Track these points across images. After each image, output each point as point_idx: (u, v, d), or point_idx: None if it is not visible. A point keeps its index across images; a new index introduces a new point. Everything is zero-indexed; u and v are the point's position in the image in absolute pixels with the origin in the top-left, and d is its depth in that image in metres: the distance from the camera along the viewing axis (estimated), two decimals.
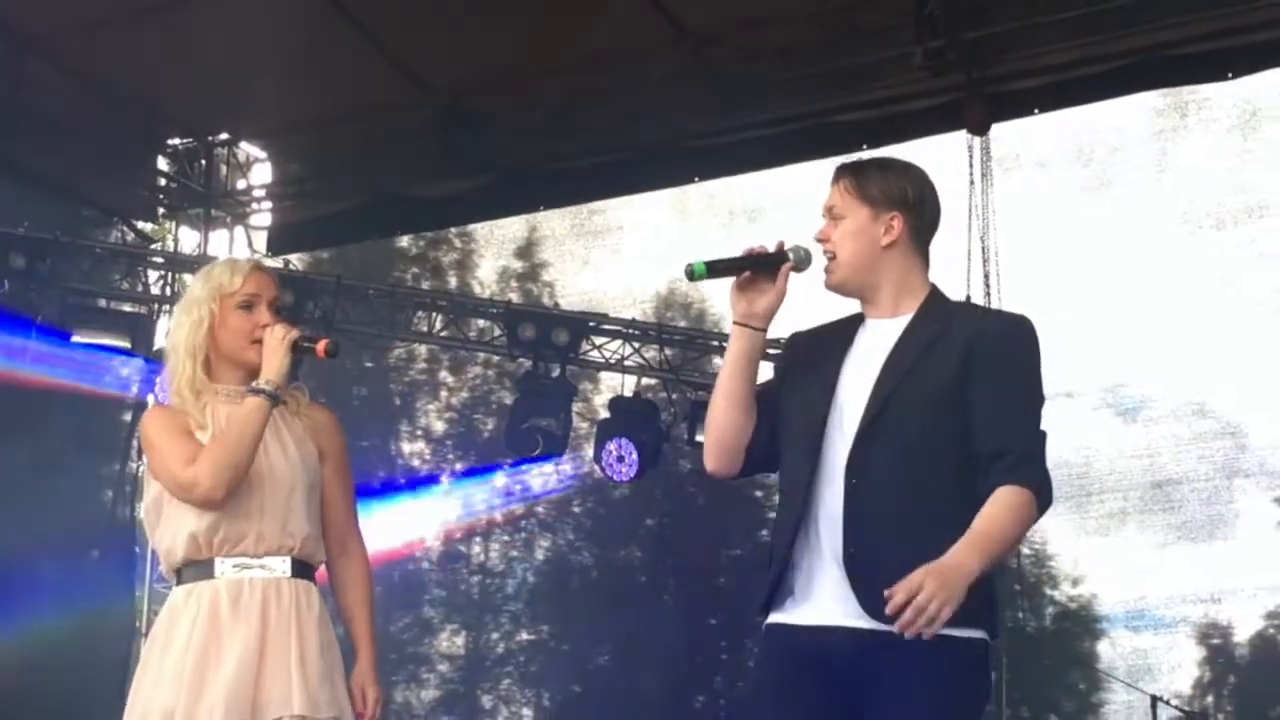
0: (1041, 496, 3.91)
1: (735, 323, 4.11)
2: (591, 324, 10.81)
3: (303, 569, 4.59)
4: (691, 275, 4.06)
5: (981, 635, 3.92)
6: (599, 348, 10.90)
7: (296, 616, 4.50)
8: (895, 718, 3.86)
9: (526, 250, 17.28)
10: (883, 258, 4.10)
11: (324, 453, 4.70)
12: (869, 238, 4.09)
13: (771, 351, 4.34)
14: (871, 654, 3.85)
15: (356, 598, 4.76)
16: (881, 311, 4.12)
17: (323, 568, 4.75)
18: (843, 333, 4.17)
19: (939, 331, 4.03)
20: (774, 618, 4.05)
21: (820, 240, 4.14)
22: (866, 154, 4.33)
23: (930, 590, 3.65)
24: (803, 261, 4.10)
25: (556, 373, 10.84)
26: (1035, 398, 4.04)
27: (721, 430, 4.16)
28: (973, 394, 3.93)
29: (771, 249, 4.08)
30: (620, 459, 10.50)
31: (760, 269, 4.07)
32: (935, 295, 4.16)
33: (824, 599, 3.95)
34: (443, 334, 11.59)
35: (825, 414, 4.01)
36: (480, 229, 16.18)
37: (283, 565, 4.54)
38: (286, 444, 4.62)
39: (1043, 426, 4.04)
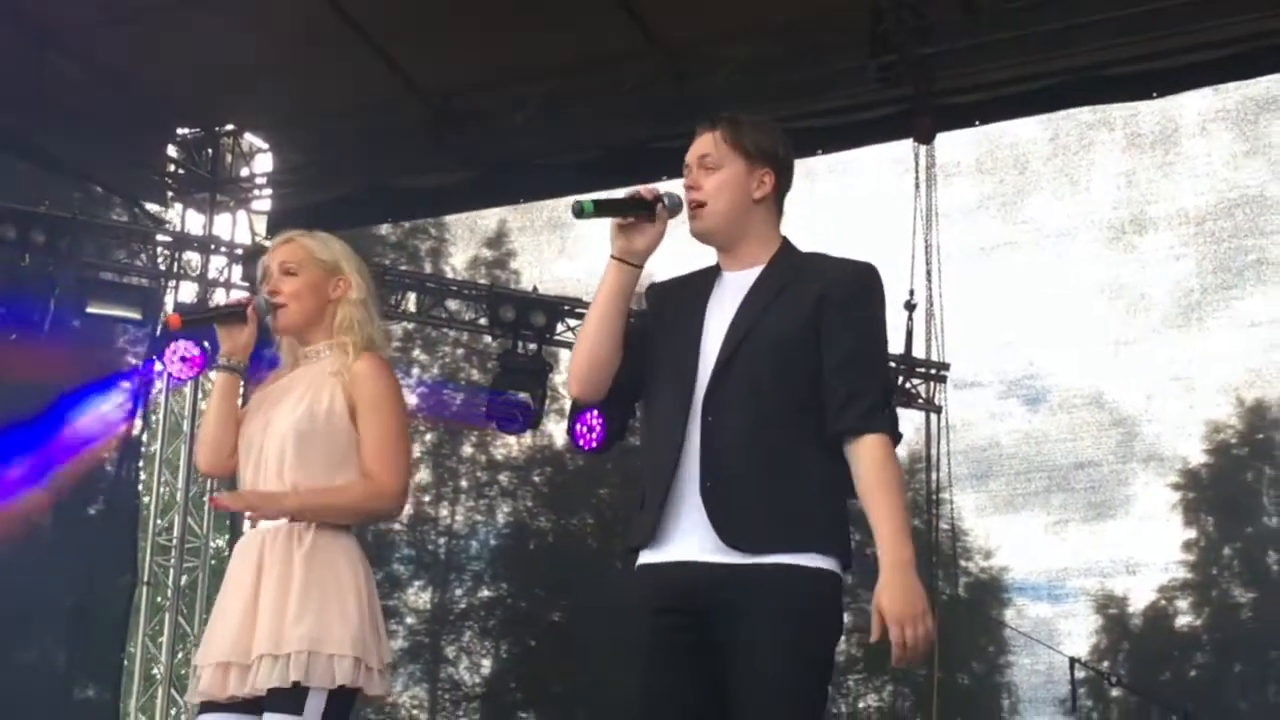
0: (895, 436, 3.85)
1: (613, 257, 3.97)
2: (566, 307, 10.75)
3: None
4: (580, 213, 3.93)
5: (833, 568, 3.80)
6: (572, 329, 10.83)
7: (286, 556, 4.36)
8: (751, 652, 3.72)
9: (496, 241, 17.24)
10: (753, 211, 4.01)
11: (354, 402, 4.49)
12: (743, 190, 3.99)
13: None
14: (729, 588, 3.74)
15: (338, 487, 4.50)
16: (739, 263, 4.02)
17: None
18: (701, 283, 4.06)
19: (790, 279, 3.94)
20: (643, 558, 3.92)
21: (690, 188, 4.01)
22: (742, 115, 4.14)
23: (903, 629, 3.64)
24: (675, 207, 3.98)
25: (532, 351, 10.79)
26: (882, 343, 3.99)
27: (592, 357, 4.00)
28: (824, 337, 3.83)
29: (652, 194, 3.95)
30: (590, 429, 10.47)
31: (639, 210, 3.95)
32: (786, 246, 4.05)
33: (686, 535, 3.82)
34: (426, 314, 11.56)
35: (693, 362, 3.90)
36: (454, 220, 16.10)
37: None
38: (302, 399, 4.50)
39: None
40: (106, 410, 11.37)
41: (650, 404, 4.06)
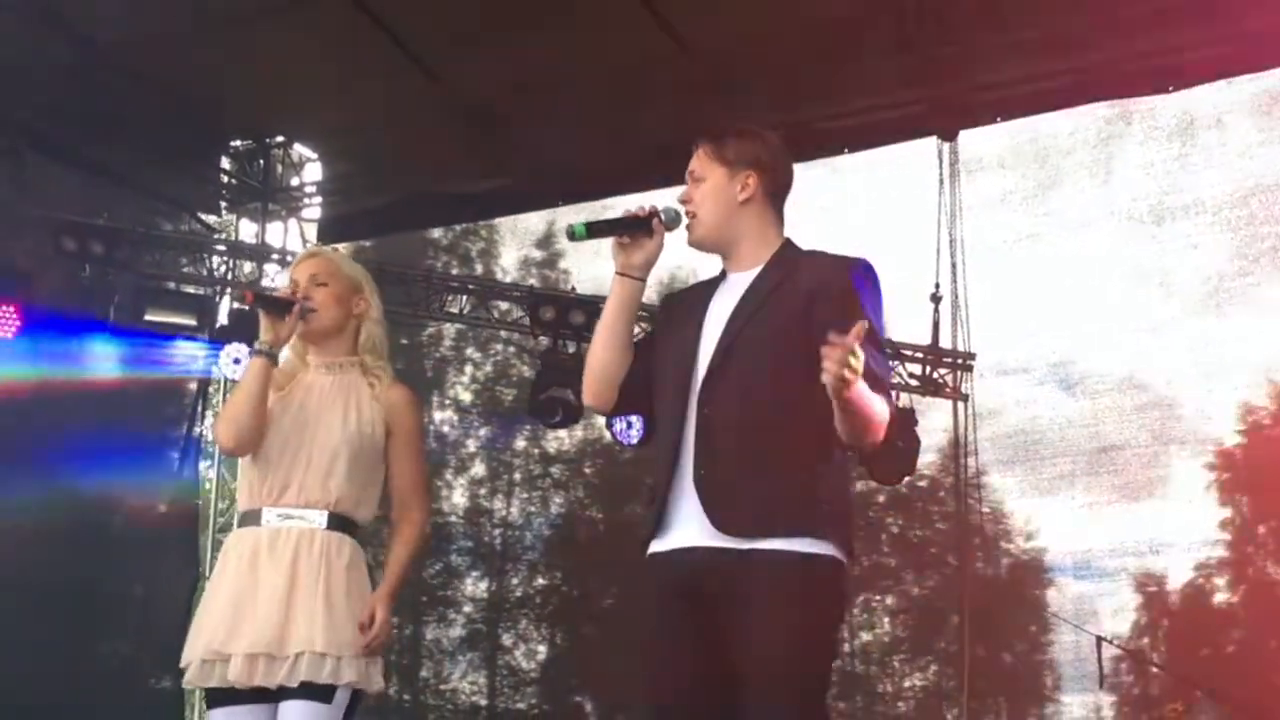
0: (892, 408, 3.87)
1: (616, 273, 4.08)
2: (604, 306, 10.75)
3: (341, 523, 4.57)
4: (573, 236, 4.05)
5: (833, 553, 3.84)
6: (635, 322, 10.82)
7: (325, 563, 4.48)
8: (751, 638, 3.76)
9: (545, 241, 17.32)
10: (740, 213, 4.08)
11: (391, 430, 4.68)
12: (727, 195, 4.07)
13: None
14: (728, 574, 3.79)
15: (398, 544, 4.68)
16: (740, 265, 4.10)
17: None
18: (707, 288, 4.15)
19: (786, 275, 4.00)
20: (652, 548, 3.98)
21: (683, 202, 4.10)
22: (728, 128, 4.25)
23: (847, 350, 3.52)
24: (672, 221, 4.07)
25: (573, 349, 10.79)
26: (878, 329, 3.95)
27: (600, 368, 4.13)
28: (818, 326, 3.79)
29: (645, 211, 4.04)
30: (629, 425, 10.50)
31: (633, 229, 4.04)
32: (787, 246, 4.12)
33: (687, 522, 3.88)
34: (471, 315, 11.61)
35: (693, 357, 3.97)
36: (503, 222, 16.17)
37: (320, 518, 4.53)
38: (349, 415, 4.63)
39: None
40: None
41: (658, 401, 4.11)
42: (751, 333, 3.94)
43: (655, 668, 3.94)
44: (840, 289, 3.92)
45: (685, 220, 4.11)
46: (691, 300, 4.16)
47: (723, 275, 4.15)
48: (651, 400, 4.13)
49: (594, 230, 4.05)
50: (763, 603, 3.76)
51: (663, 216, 4.06)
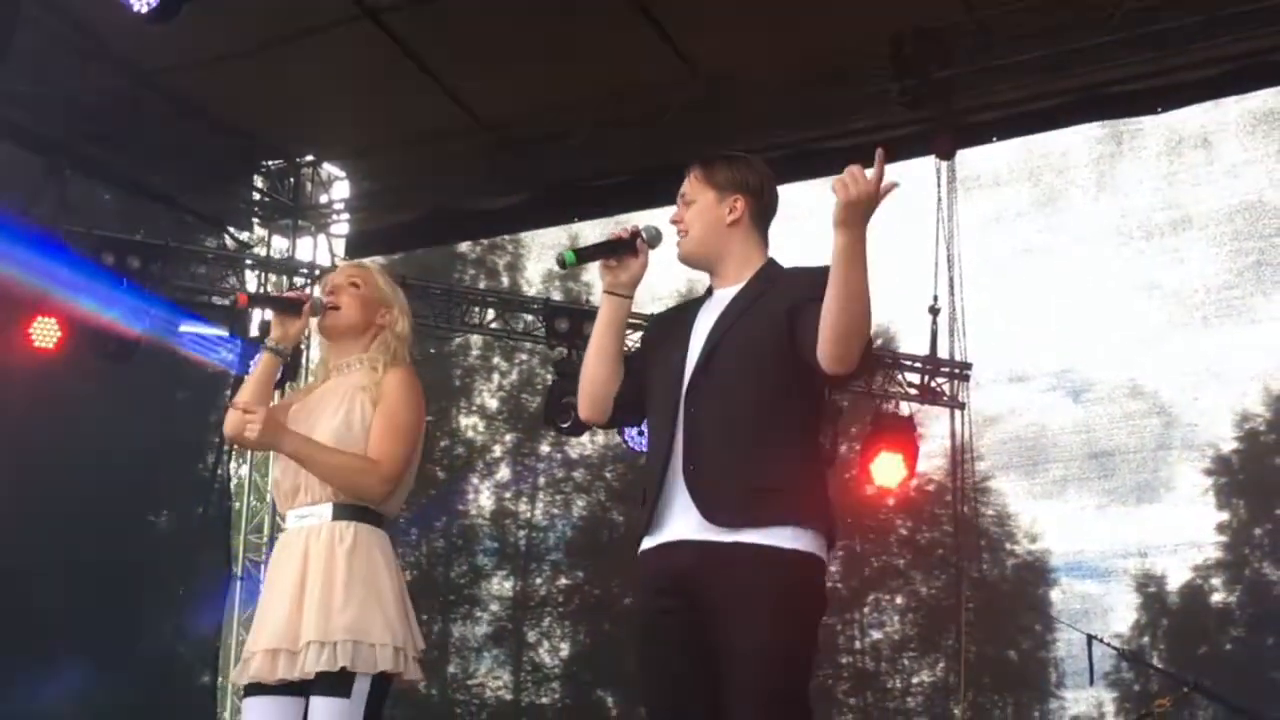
0: (868, 347, 3.90)
1: (604, 291, 4.17)
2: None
3: (349, 511, 4.57)
4: (563, 264, 4.09)
5: (811, 547, 3.89)
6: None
7: (329, 552, 4.49)
8: (737, 628, 3.80)
9: None
10: (727, 234, 4.16)
11: (379, 401, 4.64)
12: (715, 216, 4.15)
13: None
14: (715, 565, 3.84)
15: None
16: (725, 281, 4.18)
17: None
18: (695, 304, 4.23)
19: (767, 288, 4.08)
20: (643, 545, 4.04)
21: (674, 222, 4.19)
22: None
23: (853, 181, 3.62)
24: (654, 239, 4.16)
25: None
26: None
27: (592, 382, 4.21)
28: (800, 321, 3.90)
29: (628, 233, 4.12)
30: (641, 432, 10.53)
31: (618, 250, 4.12)
32: (770, 264, 4.20)
33: (676, 518, 3.94)
34: (493, 326, 11.66)
35: (680, 366, 4.04)
36: (528, 236, 16.24)
37: (326, 511, 4.56)
38: (340, 407, 4.64)
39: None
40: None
41: (649, 410, 4.19)
42: (734, 339, 4.02)
43: (645, 659, 4.01)
44: (816, 288, 3.90)
45: (677, 237, 4.20)
46: (680, 316, 4.25)
47: (709, 292, 4.23)
48: (644, 411, 4.21)
49: (582, 256, 4.12)
50: (744, 600, 3.81)
51: (644, 236, 4.14)
